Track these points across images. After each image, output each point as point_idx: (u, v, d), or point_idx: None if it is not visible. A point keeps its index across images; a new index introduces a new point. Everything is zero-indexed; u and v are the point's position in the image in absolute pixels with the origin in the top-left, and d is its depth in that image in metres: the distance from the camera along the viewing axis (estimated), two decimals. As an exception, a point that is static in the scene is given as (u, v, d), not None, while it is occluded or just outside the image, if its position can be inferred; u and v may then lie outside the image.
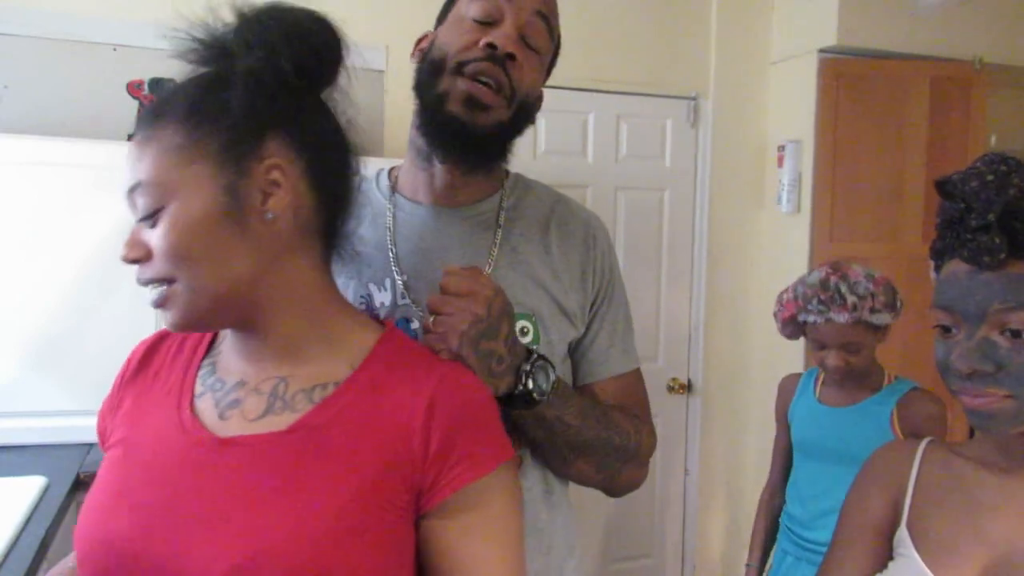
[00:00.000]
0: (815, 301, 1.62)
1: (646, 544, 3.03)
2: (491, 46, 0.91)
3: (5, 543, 1.42)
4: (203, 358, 0.82)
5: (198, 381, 0.79)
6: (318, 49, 0.75)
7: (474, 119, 0.92)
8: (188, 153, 0.71)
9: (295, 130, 0.74)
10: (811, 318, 1.64)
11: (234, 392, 0.76)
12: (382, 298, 0.97)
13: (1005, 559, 0.75)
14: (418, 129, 0.98)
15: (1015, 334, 0.72)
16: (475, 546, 0.73)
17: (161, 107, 0.74)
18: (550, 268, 1.00)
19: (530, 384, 0.87)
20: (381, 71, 2.53)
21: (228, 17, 0.74)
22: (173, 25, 0.74)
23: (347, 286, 0.97)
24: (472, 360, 0.81)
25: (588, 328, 1.04)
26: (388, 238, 1.00)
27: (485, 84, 0.92)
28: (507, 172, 1.07)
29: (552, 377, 0.89)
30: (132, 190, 0.72)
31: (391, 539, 0.70)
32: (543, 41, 0.97)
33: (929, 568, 0.77)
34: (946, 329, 0.78)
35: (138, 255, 0.72)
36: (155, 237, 0.71)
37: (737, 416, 3.04)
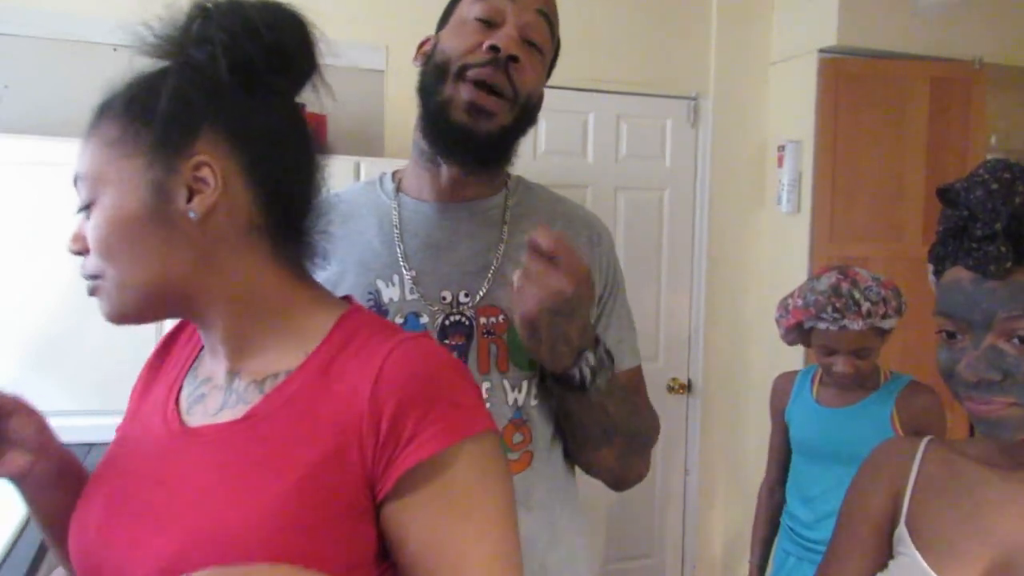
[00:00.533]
0: (829, 309, 1.59)
1: (646, 544, 3.03)
2: (494, 48, 0.92)
3: (5, 543, 1.42)
4: (198, 354, 0.81)
5: (187, 377, 0.79)
6: (271, 46, 0.71)
7: (478, 125, 0.93)
8: (121, 148, 0.69)
9: (235, 127, 0.71)
10: (823, 325, 1.62)
11: (200, 388, 0.76)
12: (390, 294, 0.98)
13: (1008, 559, 0.75)
14: (422, 132, 0.99)
15: (1020, 341, 0.72)
16: (443, 529, 0.65)
17: (107, 101, 0.73)
18: None
19: (586, 373, 0.89)
20: (381, 71, 2.53)
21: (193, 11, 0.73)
22: (137, 20, 0.73)
23: (356, 284, 0.99)
24: (543, 331, 0.83)
25: (597, 323, 1.06)
26: (395, 235, 1.01)
27: (489, 88, 0.93)
28: (509, 174, 1.08)
29: (608, 375, 0.92)
30: (74, 182, 0.72)
31: (336, 534, 0.64)
32: (545, 39, 0.98)
33: (931, 568, 0.77)
34: (950, 335, 0.77)
35: (79, 248, 0.72)
36: (88, 230, 0.71)
37: (737, 416, 3.04)
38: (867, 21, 2.66)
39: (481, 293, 0.98)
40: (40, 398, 1.58)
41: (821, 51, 2.70)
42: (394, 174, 1.09)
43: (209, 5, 0.72)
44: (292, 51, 0.74)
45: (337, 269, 1.00)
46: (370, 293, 0.98)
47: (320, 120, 2.32)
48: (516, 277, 0.84)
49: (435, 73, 0.95)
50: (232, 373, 0.74)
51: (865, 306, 1.58)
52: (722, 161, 2.95)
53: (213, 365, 0.76)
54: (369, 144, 2.51)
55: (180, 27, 0.72)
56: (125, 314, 0.73)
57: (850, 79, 2.71)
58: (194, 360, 0.80)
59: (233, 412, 0.71)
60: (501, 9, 0.94)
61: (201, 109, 0.70)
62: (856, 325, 1.58)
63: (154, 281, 0.70)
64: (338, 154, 2.70)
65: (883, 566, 0.83)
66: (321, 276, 0.94)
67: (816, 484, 1.71)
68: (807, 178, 2.76)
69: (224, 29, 0.70)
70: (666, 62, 2.88)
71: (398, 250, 1.00)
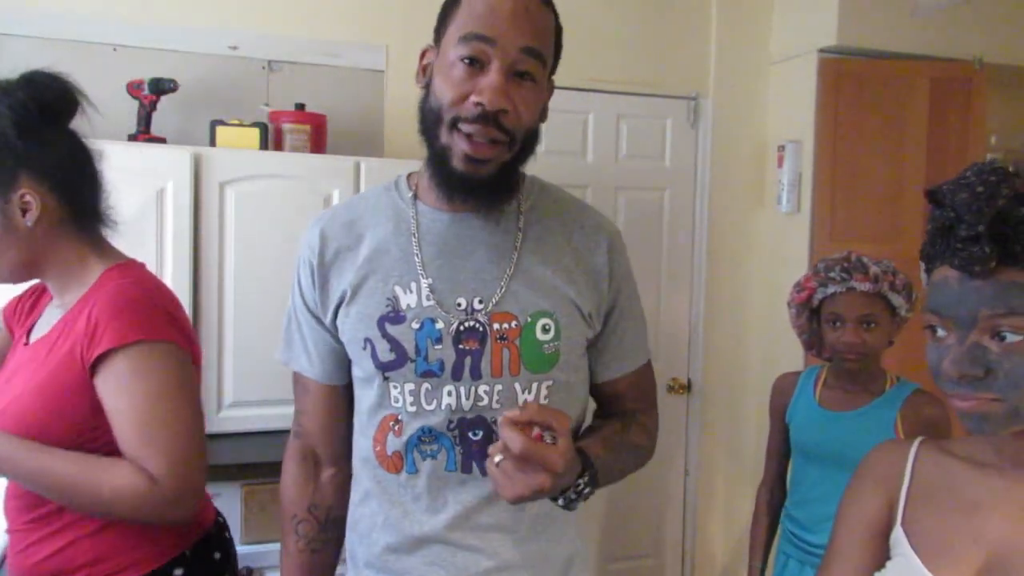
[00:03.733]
0: (838, 269, 1.64)
1: (646, 544, 3.04)
2: (480, 104, 0.92)
3: (5, 543, 1.42)
4: (45, 306, 1.31)
5: (40, 318, 1.30)
6: (44, 111, 1.16)
7: (477, 171, 0.96)
8: None
9: (38, 166, 1.16)
10: (831, 289, 1.64)
11: (40, 320, 1.28)
12: (408, 300, 1.01)
13: (1002, 559, 0.75)
14: (427, 163, 1.02)
15: (1003, 339, 0.73)
16: (110, 400, 1.13)
17: None
18: (567, 270, 1.05)
19: (571, 502, 0.93)
20: (381, 71, 2.53)
21: None
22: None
23: (375, 289, 1.02)
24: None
25: (613, 328, 1.10)
26: (413, 243, 1.04)
27: (484, 141, 0.94)
28: (523, 174, 1.09)
29: (594, 487, 0.95)
30: None
31: (70, 397, 1.13)
32: (534, 69, 0.97)
33: (927, 568, 0.78)
34: (937, 332, 0.78)
35: None
36: None
37: (737, 416, 3.04)
38: (867, 21, 2.66)
39: (495, 300, 1.01)
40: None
41: (821, 51, 2.70)
42: (409, 177, 1.10)
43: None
44: (58, 106, 1.19)
45: (360, 274, 1.04)
46: (388, 299, 1.02)
47: (320, 120, 2.33)
48: (494, 464, 0.85)
49: (432, 118, 0.97)
50: (55, 307, 1.25)
51: (873, 270, 1.61)
52: (722, 161, 2.96)
53: (51, 305, 1.28)
54: (369, 144, 2.51)
55: None
56: (5, 281, 1.23)
57: (850, 79, 2.71)
58: (40, 313, 1.30)
59: (46, 331, 1.22)
60: (485, 51, 0.93)
61: (14, 162, 1.14)
62: (863, 286, 1.61)
63: (19, 262, 1.19)
64: (338, 154, 2.70)
65: (881, 568, 0.83)
66: (344, 280, 1.05)
67: (816, 487, 1.70)
68: (807, 178, 2.76)
69: (9, 109, 1.13)
70: (666, 62, 2.89)
71: (416, 258, 1.03)
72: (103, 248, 1.26)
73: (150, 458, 1.11)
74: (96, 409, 1.13)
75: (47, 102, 1.17)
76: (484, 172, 0.96)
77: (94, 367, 1.12)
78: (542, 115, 1.04)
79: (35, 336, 1.25)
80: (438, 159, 0.98)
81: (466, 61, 0.94)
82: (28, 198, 1.15)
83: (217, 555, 1.30)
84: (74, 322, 1.15)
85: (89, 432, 1.14)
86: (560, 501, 0.93)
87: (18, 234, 1.16)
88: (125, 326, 1.12)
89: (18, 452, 1.11)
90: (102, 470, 1.11)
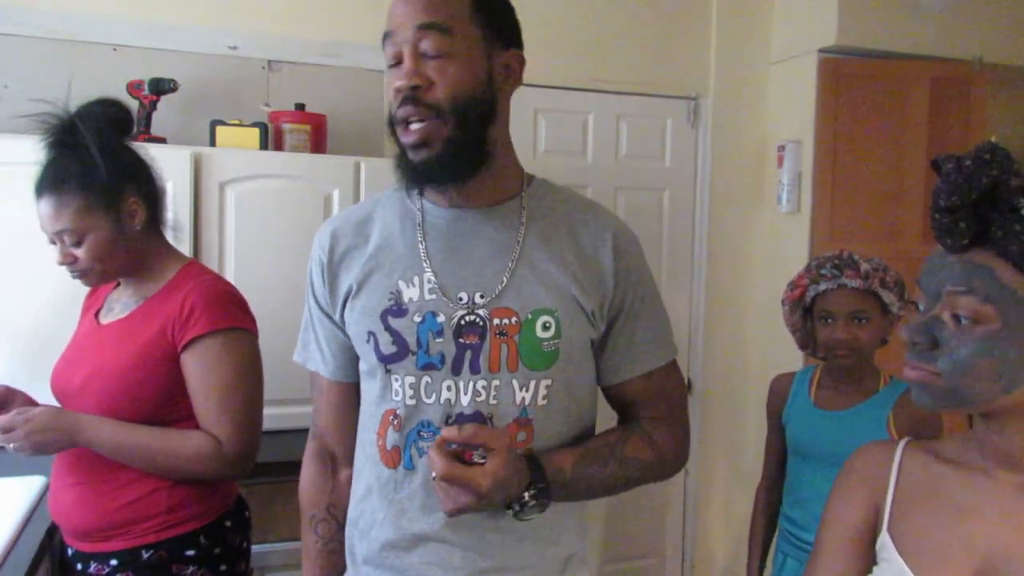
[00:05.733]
0: (829, 265, 1.65)
1: (646, 544, 3.04)
2: (399, 90, 0.99)
3: (5, 543, 1.42)
4: (107, 294, 1.55)
5: (104, 304, 1.53)
6: (122, 122, 1.44)
7: (423, 156, 0.99)
8: (91, 209, 1.38)
9: (134, 179, 1.43)
10: (823, 285, 1.65)
11: (111, 305, 1.50)
12: (411, 294, 1.03)
13: (993, 564, 0.74)
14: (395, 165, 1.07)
15: (958, 319, 0.74)
16: (197, 374, 1.39)
17: (59, 180, 1.37)
18: (570, 269, 1.05)
19: (520, 515, 0.98)
20: (381, 71, 2.53)
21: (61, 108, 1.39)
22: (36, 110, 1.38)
23: (379, 284, 1.05)
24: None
25: (621, 329, 1.09)
26: (418, 238, 1.06)
27: (414, 122, 0.99)
28: (531, 177, 1.11)
29: (546, 505, 0.99)
30: (59, 232, 1.38)
31: (159, 368, 1.38)
32: (439, 45, 0.98)
33: (915, 574, 0.77)
34: (919, 306, 0.81)
35: (70, 261, 1.41)
36: (81, 252, 1.40)
37: (736, 416, 3.04)
38: (867, 21, 2.66)
39: (495, 294, 1.02)
40: (39, 398, 1.59)
41: (821, 51, 2.70)
42: None
43: (82, 107, 1.40)
44: (124, 121, 1.46)
45: (366, 269, 1.06)
46: (391, 292, 1.04)
47: (320, 120, 2.33)
48: (435, 479, 0.93)
49: (390, 121, 1.04)
50: (130, 296, 1.48)
51: (864, 267, 1.62)
52: (722, 161, 2.96)
53: (119, 293, 1.51)
54: (369, 144, 2.51)
55: (72, 122, 1.39)
56: (105, 283, 1.51)
57: (850, 79, 2.71)
58: (105, 298, 1.53)
59: (123, 314, 1.46)
60: (395, 44, 1.01)
61: (121, 174, 1.40)
62: (854, 283, 1.61)
63: (125, 264, 1.44)
64: (338, 154, 2.70)
65: (867, 574, 0.82)
66: (351, 276, 1.07)
67: (812, 486, 1.70)
68: (807, 178, 2.76)
69: (98, 133, 1.38)
70: (666, 62, 2.89)
71: (420, 251, 1.05)
72: (171, 247, 1.52)
73: (221, 425, 1.39)
74: (173, 384, 1.39)
75: (116, 119, 1.42)
76: (431, 153, 0.99)
77: (186, 346, 1.38)
78: (512, 80, 1.04)
79: (106, 319, 1.48)
80: (399, 156, 1.03)
81: (391, 64, 1.01)
82: (134, 205, 1.41)
83: (246, 513, 1.59)
84: (159, 308, 1.41)
85: (165, 408, 1.39)
86: (510, 512, 0.97)
87: (126, 238, 1.41)
88: (217, 315, 1.39)
89: (101, 429, 1.35)
90: (179, 437, 1.38)
